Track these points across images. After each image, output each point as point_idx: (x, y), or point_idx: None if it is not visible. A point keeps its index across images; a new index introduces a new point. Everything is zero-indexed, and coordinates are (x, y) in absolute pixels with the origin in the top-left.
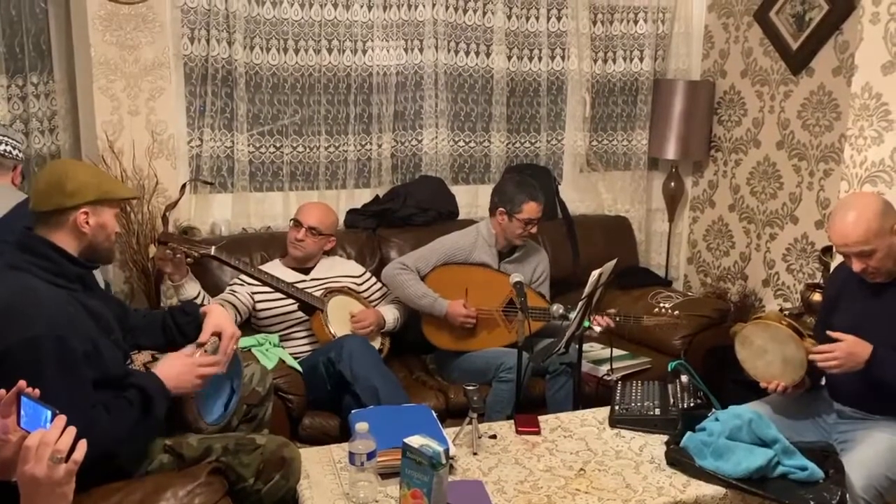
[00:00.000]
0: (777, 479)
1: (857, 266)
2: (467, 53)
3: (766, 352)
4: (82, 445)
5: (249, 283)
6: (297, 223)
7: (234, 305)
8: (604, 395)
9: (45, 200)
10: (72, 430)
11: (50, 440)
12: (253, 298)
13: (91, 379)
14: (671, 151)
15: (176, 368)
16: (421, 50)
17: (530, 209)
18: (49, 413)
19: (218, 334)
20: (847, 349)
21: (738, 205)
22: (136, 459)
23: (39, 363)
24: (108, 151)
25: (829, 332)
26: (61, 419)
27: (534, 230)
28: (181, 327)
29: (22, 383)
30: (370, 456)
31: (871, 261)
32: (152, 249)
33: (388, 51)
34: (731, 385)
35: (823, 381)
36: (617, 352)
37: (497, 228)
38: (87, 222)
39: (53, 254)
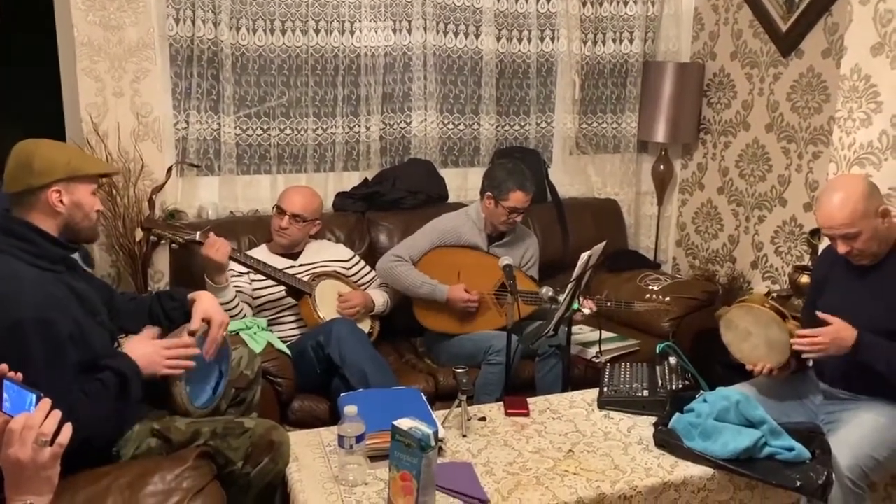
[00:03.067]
0: (764, 459)
1: (842, 248)
2: (456, 34)
3: (751, 335)
4: (67, 429)
5: (243, 272)
6: (280, 211)
7: (247, 303)
8: (593, 377)
9: (15, 181)
10: (56, 414)
11: (34, 423)
12: (251, 286)
13: (77, 361)
14: (660, 134)
15: (143, 350)
16: (409, 31)
17: (516, 198)
18: (34, 396)
19: (207, 321)
20: (833, 333)
21: (727, 187)
22: (111, 440)
23: (25, 347)
24: (92, 134)
25: (817, 313)
26: (46, 402)
27: (518, 219)
28: (168, 313)
29: (3, 367)
30: (359, 439)
31: (856, 243)
32: (139, 233)
33: (376, 31)
34: (719, 367)
35: (810, 363)
36: (606, 334)
37: (485, 212)
38: (61, 201)
39: (34, 236)
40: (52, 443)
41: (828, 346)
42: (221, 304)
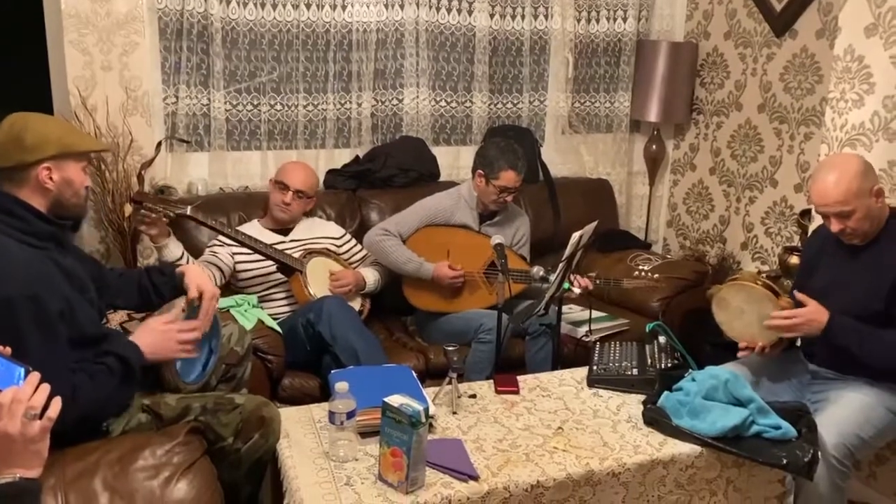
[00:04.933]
0: (751, 437)
1: (835, 226)
2: (449, 10)
3: (744, 312)
4: (56, 402)
5: (228, 244)
6: (283, 186)
7: (217, 266)
8: (583, 355)
9: (5, 156)
10: (45, 387)
11: (23, 397)
12: (233, 259)
13: (67, 338)
14: (653, 114)
15: (154, 335)
16: (402, 6)
17: (507, 177)
18: (22, 370)
19: (199, 294)
20: (808, 315)
21: (718, 168)
22: (104, 419)
23: (16, 324)
24: (80, 108)
25: (795, 293)
26: (35, 376)
27: (509, 198)
28: (158, 287)
29: None
30: (350, 415)
31: (849, 221)
32: (128, 209)
33: (368, 7)
34: (708, 346)
35: (799, 343)
36: (596, 313)
37: (476, 190)
38: (51, 178)
39: (23, 212)
40: (41, 416)
41: (801, 326)
42: (169, 262)
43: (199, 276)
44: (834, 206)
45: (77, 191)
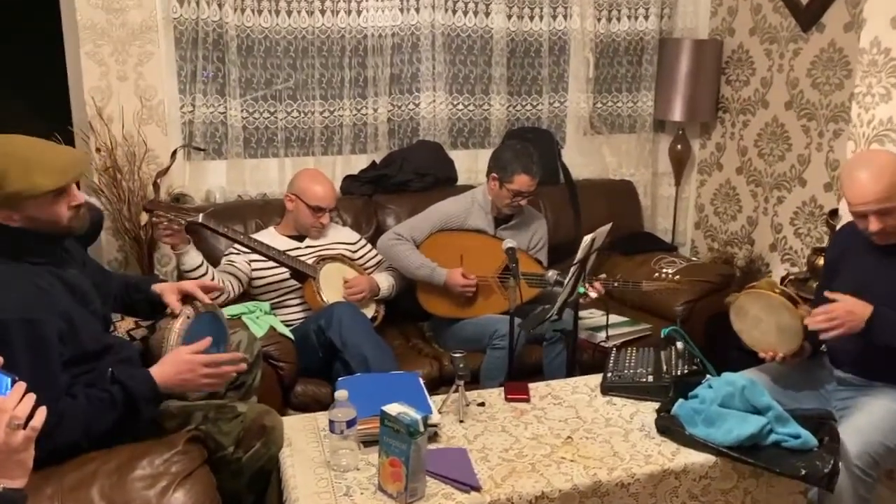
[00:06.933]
0: (769, 447)
1: (874, 226)
2: (465, 13)
3: (761, 321)
4: (41, 412)
5: (245, 252)
6: (319, 209)
7: (234, 276)
8: (601, 361)
9: None
10: (31, 398)
11: (7, 406)
12: (250, 266)
13: (66, 359)
14: (677, 113)
15: (178, 367)
16: (417, 10)
17: (521, 181)
18: (9, 380)
19: (188, 296)
20: (845, 308)
21: (745, 167)
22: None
23: (10, 348)
24: (96, 118)
25: (826, 293)
26: (20, 386)
27: (523, 202)
28: (135, 304)
29: None
30: (350, 424)
31: (890, 219)
32: (144, 217)
33: (382, 11)
34: (734, 352)
35: (824, 348)
36: (617, 318)
37: (490, 193)
38: (12, 218)
39: (17, 234)
40: (25, 426)
41: (842, 321)
42: (188, 270)
43: (178, 286)
44: (873, 204)
45: (52, 221)
